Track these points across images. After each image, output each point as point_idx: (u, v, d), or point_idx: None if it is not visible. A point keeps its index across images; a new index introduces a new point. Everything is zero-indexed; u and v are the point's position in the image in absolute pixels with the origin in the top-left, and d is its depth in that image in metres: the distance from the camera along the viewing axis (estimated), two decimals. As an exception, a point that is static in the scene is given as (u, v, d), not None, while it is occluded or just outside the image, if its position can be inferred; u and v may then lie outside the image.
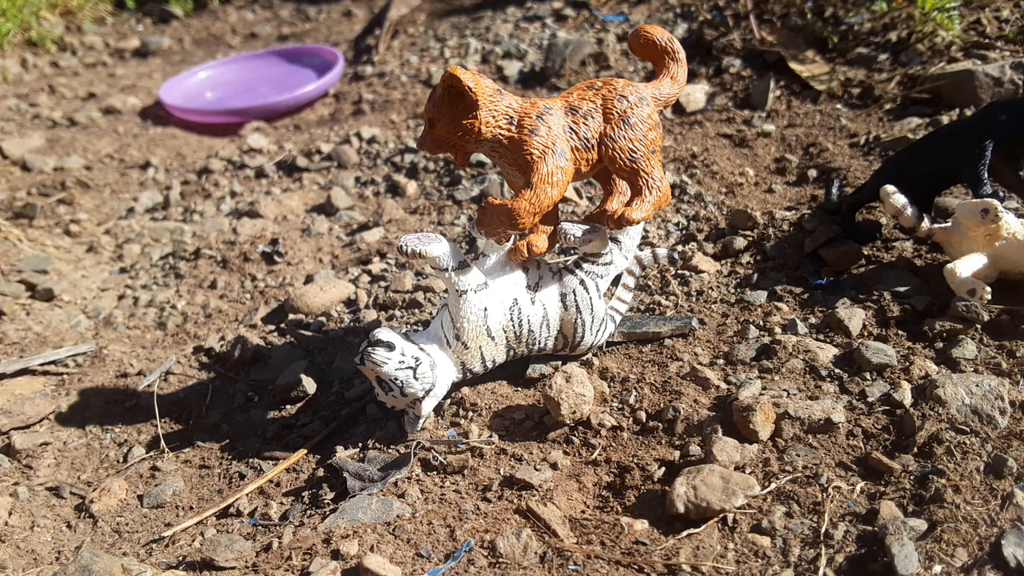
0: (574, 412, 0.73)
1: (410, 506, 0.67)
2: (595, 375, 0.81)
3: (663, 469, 0.68)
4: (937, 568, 0.55)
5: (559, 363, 0.82)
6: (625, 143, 0.74)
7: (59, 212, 1.40)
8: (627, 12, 1.82)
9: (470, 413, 0.78)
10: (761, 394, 0.74)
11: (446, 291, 0.89)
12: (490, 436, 0.75)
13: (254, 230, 1.26)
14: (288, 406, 0.85)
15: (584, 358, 0.83)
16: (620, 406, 0.76)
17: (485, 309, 0.75)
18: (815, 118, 1.30)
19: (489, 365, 0.78)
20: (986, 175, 0.87)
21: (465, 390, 0.80)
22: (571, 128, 0.74)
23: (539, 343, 0.79)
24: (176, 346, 1.00)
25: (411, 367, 0.71)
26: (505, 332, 0.77)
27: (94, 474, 0.80)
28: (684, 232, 1.06)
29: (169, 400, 0.90)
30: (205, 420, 0.85)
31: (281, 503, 0.72)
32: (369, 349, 0.71)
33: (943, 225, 0.88)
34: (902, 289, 0.87)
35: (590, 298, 0.78)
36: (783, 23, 1.55)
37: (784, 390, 0.74)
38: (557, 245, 0.79)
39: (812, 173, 1.15)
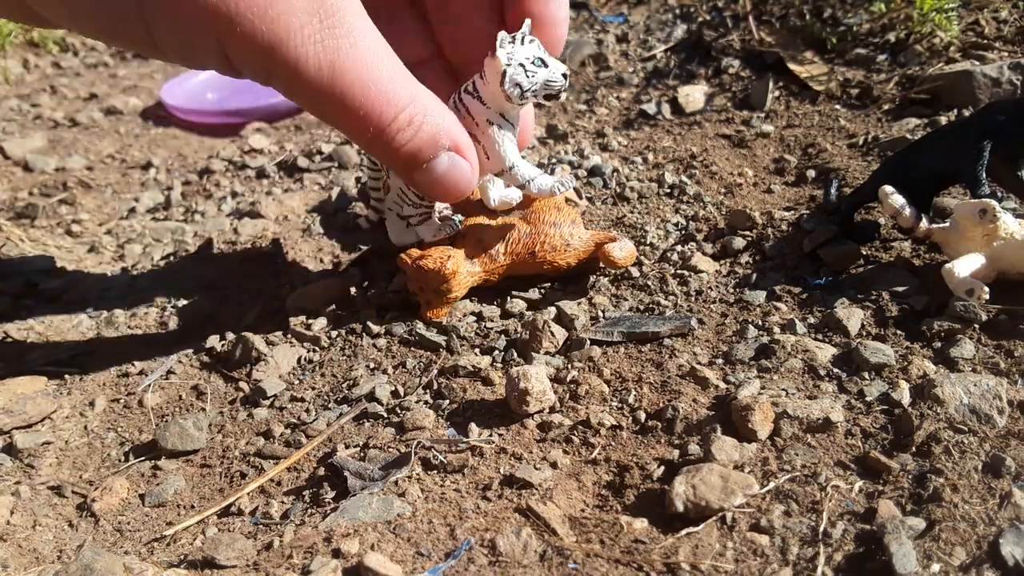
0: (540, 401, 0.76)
1: (410, 505, 0.67)
2: (594, 375, 0.81)
3: (662, 468, 0.68)
4: (935, 567, 0.55)
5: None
6: None
7: (61, 212, 1.41)
8: (627, 13, 1.82)
9: (470, 412, 0.78)
10: (760, 393, 0.74)
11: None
12: (490, 435, 0.75)
13: (255, 230, 1.26)
14: (289, 405, 0.86)
15: (585, 357, 0.83)
16: (619, 405, 0.77)
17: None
18: (814, 119, 1.30)
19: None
20: (984, 175, 0.87)
21: (467, 390, 0.80)
22: None
23: None
24: (177, 346, 1.00)
25: None
26: None
27: (96, 473, 0.81)
28: (683, 232, 1.06)
29: (170, 399, 0.90)
30: (206, 419, 0.85)
31: (282, 502, 0.73)
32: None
33: (941, 225, 0.88)
34: (900, 289, 0.87)
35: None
36: (782, 24, 1.55)
37: (783, 389, 0.75)
38: None
39: (811, 173, 1.15)
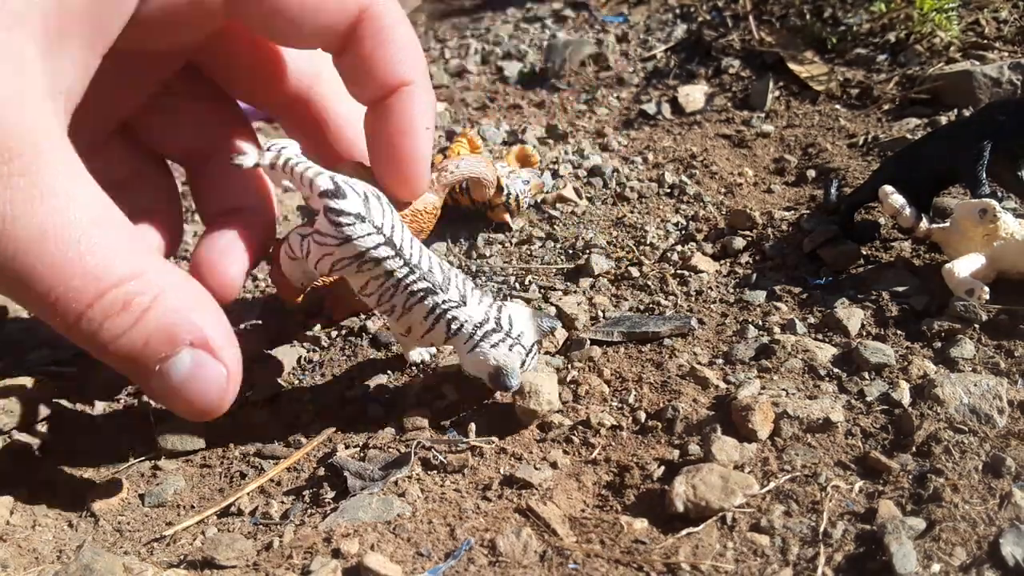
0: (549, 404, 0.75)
1: (410, 505, 0.67)
2: (594, 375, 0.81)
3: (662, 468, 0.68)
4: (935, 567, 0.55)
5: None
6: None
7: (60, 212, 1.40)
8: (627, 13, 1.82)
9: (470, 412, 0.78)
10: (760, 393, 0.74)
11: None
12: (490, 435, 0.75)
13: (254, 230, 1.26)
14: (289, 405, 0.86)
15: (585, 357, 0.83)
16: (620, 405, 0.77)
17: None
18: (814, 118, 1.31)
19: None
20: (984, 175, 0.87)
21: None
22: None
23: None
24: (177, 346, 1.00)
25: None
26: None
27: (96, 473, 0.81)
28: (683, 232, 1.06)
29: (170, 400, 0.90)
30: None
31: (282, 502, 0.73)
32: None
33: (941, 225, 0.88)
34: (900, 289, 0.87)
35: None
36: (782, 24, 1.55)
37: (783, 389, 0.75)
38: None
39: (811, 173, 1.15)
